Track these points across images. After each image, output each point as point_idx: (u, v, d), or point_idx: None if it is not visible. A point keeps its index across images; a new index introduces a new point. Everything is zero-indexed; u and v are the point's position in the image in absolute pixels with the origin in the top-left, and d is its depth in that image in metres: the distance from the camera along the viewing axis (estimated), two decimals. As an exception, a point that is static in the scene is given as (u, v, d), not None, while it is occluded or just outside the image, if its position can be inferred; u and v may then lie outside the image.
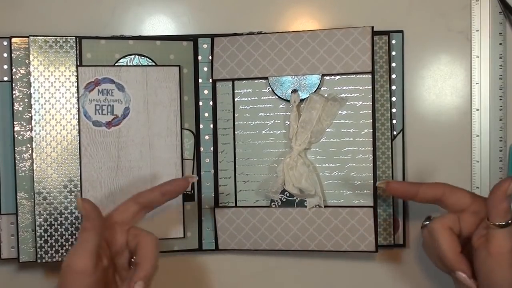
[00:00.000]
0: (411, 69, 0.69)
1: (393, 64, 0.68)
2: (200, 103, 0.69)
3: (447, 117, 0.69)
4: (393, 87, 0.68)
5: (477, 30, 0.69)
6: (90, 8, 0.70)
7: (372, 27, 0.65)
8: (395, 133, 0.68)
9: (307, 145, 0.66)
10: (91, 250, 0.53)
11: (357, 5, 0.70)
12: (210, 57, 0.68)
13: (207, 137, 0.69)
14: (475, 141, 0.69)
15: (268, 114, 0.67)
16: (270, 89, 0.67)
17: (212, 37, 0.68)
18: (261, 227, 0.67)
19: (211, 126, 0.69)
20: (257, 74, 0.67)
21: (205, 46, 0.69)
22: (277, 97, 0.67)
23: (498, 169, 0.68)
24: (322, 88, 0.66)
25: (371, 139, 0.65)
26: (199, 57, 0.69)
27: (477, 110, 0.69)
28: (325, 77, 0.66)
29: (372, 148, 0.65)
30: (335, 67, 0.65)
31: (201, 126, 0.69)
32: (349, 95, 0.66)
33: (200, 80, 0.69)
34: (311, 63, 0.66)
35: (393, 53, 0.68)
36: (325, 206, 0.66)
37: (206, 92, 0.69)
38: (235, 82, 0.68)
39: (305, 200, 0.66)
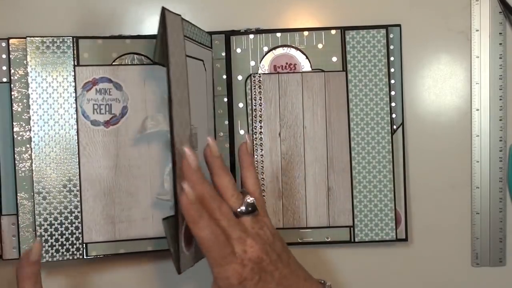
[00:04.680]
0: (410, 69, 0.69)
1: (391, 58, 0.68)
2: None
3: (447, 117, 0.69)
4: (392, 81, 0.68)
5: (477, 30, 0.68)
6: (89, 9, 0.69)
7: None
8: (395, 127, 0.68)
9: None
10: None
11: (357, 2, 0.69)
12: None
13: (206, 135, 0.69)
14: (475, 141, 0.68)
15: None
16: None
17: (210, 34, 0.68)
18: None
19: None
20: None
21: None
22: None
23: (498, 169, 0.68)
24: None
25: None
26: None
27: (477, 110, 0.68)
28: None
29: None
30: None
31: (200, 124, 0.69)
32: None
33: (198, 78, 0.69)
34: None
35: (391, 47, 0.68)
36: None
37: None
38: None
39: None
